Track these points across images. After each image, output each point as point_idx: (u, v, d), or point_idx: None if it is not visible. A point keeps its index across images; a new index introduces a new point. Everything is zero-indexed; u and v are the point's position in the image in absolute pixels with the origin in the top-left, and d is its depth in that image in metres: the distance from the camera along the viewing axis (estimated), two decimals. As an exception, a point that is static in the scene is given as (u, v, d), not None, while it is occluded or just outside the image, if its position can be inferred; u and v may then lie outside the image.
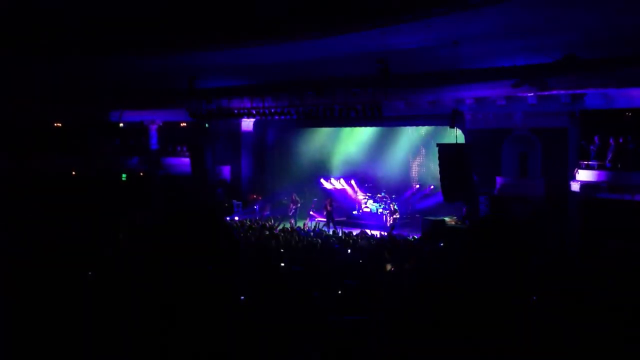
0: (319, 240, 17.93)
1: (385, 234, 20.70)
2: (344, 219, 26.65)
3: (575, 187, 19.68)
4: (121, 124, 30.13)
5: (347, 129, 28.74)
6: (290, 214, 25.73)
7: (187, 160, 28.83)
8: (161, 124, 28.95)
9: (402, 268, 13.72)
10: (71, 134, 29.61)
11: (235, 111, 23.19)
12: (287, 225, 22.64)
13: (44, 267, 12.52)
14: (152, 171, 29.07)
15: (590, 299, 10.57)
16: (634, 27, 15.40)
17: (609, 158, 19.25)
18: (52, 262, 13.42)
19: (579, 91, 19.07)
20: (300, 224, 23.99)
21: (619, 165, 18.97)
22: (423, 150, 27.28)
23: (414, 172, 27.92)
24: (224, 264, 12.52)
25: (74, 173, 29.76)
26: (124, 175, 29.96)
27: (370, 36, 17.38)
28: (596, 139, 19.81)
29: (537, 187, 20.53)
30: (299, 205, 26.27)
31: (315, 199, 27.40)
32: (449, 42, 17.58)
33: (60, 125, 30.19)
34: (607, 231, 18.29)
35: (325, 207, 25.26)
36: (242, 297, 10.43)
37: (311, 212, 26.93)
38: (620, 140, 19.29)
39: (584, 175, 19.61)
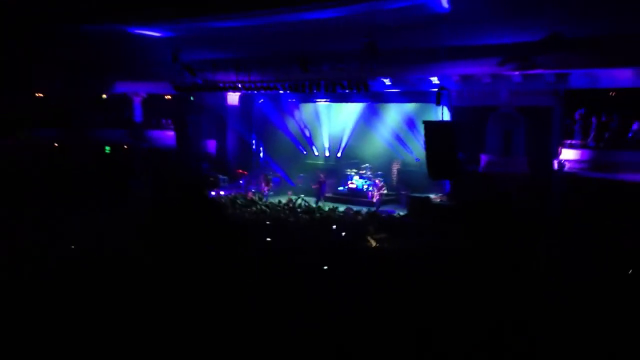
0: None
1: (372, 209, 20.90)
2: (330, 194, 26.73)
3: (558, 165, 19.90)
4: (104, 96, 29.77)
5: (334, 105, 28.70)
6: (265, 194, 25.64)
7: (172, 133, 28.72)
8: (145, 96, 28.64)
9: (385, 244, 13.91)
10: (53, 106, 29.15)
11: (221, 85, 22.96)
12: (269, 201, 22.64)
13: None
14: (137, 144, 28.83)
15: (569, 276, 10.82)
16: (618, 7, 15.52)
17: (591, 137, 19.46)
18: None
19: (563, 70, 19.16)
20: (284, 198, 24.01)
21: (601, 144, 19.18)
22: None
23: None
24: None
25: (56, 145, 29.42)
26: (107, 148, 29.68)
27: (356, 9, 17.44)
28: (579, 117, 19.98)
29: (521, 165, 20.71)
30: (271, 185, 26.36)
31: (302, 175, 27.42)
32: (439, 19, 17.66)
33: (42, 96, 29.73)
34: (588, 209, 18.56)
35: (318, 182, 25.31)
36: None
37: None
38: (603, 119, 19.48)
39: (567, 153, 19.81)
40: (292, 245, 13.21)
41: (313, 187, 25.45)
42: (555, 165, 20.00)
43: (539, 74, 19.47)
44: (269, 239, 13.90)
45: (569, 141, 19.91)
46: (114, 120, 29.85)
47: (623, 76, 18.49)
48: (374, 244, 13.81)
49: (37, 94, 29.69)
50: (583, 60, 18.40)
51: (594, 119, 19.50)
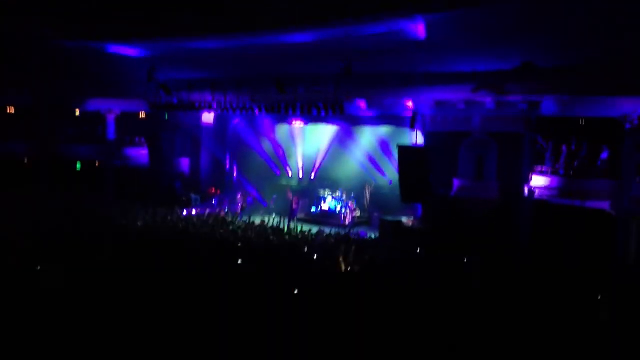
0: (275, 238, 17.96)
1: (343, 232, 20.88)
2: (302, 215, 26.68)
3: (528, 191, 20.19)
4: (77, 112, 29.41)
5: (309, 127, 28.80)
6: (239, 213, 25.53)
7: (145, 151, 28.48)
8: (119, 113, 28.38)
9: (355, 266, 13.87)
10: (25, 120, 28.69)
11: (196, 104, 22.87)
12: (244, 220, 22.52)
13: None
14: (109, 161, 28.49)
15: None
16: (590, 37, 15.92)
17: (561, 164, 19.80)
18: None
19: (535, 98, 19.53)
20: (257, 219, 23.88)
21: (571, 172, 19.52)
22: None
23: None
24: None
25: (26, 160, 28.94)
26: (78, 164, 29.28)
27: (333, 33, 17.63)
28: (549, 145, 20.33)
29: (492, 189, 20.98)
30: (245, 205, 26.29)
31: (275, 196, 27.36)
32: (415, 45, 17.93)
33: (13, 111, 29.28)
34: (556, 235, 18.85)
35: (291, 204, 25.26)
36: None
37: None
38: (573, 148, 19.85)
39: (537, 180, 20.12)
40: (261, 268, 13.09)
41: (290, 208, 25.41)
42: (526, 192, 20.28)
43: (511, 100, 19.81)
44: (240, 261, 13.76)
45: (539, 168, 20.23)
46: (86, 137, 29.45)
47: (593, 105, 18.90)
48: (343, 266, 13.75)
49: (8, 108, 29.24)
50: (553, 89, 18.79)
51: (564, 147, 19.88)
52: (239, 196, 26.73)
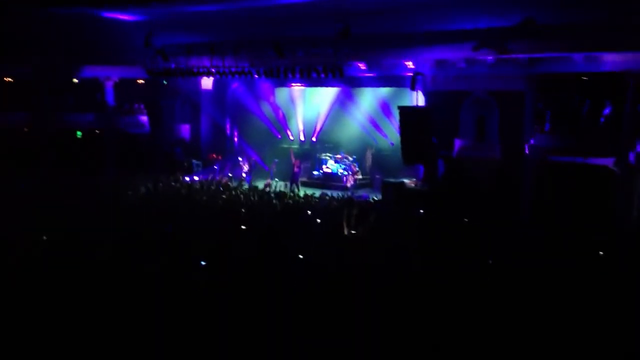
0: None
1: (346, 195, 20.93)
2: (304, 179, 26.71)
3: (530, 150, 20.12)
4: (75, 80, 29.17)
5: (309, 89, 28.56)
6: (247, 178, 25.58)
7: (145, 118, 28.34)
8: (117, 80, 28.12)
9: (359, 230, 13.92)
10: (23, 90, 28.50)
11: (195, 70, 22.64)
12: (246, 187, 22.55)
13: None
14: (109, 129, 28.37)
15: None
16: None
17: (563, 122, 19.67)
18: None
19: (536, 55, 19.31)
20: (260, 184, 23.92)
21: (574, 129, 19.40)
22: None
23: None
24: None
25: (26, 130, 28.84)
26: (79, 133, 29.20)
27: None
28: (551, 102, 20.18)
29: (494, 149, 20.92)
30: (251, 169, 26.35)
31: (276, 160, 27.33)
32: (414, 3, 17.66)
33: (11, 80, 29.06)
34: (558, 193, 18.88)
35: (293, 168, 25.23)
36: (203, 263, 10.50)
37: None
38: (575, 104, 19.71)
39: (539, 138, 20.03)
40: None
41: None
42: (528, 150, 20.22)
43: (512, 58, 19.58)
44: (243, 227, 13.84)
45: (541, 126, 20.10)
46: (85, 105, 29.26)
47: (595, 61, 18.68)
48: (346, 230, 13.80)
49: (5, 78, 29.01)
50: (555, 46, 18.54)
51: (566, 104, 19.71)
52: (244, 161, 26.65)
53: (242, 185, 22.53)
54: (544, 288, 9.60)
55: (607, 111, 19.12)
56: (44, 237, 12.43)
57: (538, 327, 8.32)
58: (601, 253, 12.11)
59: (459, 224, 15.04)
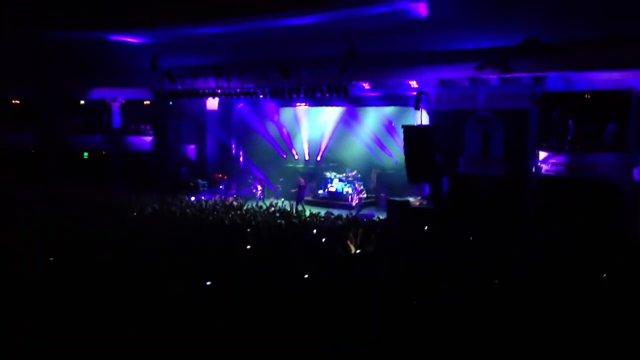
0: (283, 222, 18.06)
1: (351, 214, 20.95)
2: (309, 197, 26.77)
3: (534, 168, 20.14)
4: (82, 101, 29.48)
5: (314, 109, 28.74)
6: (258, 197, 25.67)
7: (151, 138, 28.58)
8: (124, 101, 28.41)
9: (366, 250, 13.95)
10: (31, 111, 28.75)
11: (200, 91, 22.90)
12: (253, 205, 22.62)
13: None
14: (115, 150, 28.59)
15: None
16: (591, 12, 15.81)
17: (567, 139, 19.70)
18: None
19: (540, 74, 19.41)
20: (266, 203, 23.98)
21: (577, 147, 19.43)
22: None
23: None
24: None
25: (33, 151, 29.04)
26: (85, 154, 29.40)
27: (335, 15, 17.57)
28: (555, 120, 20.22)
29: (499, 167, 20.95)
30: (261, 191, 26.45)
31: (282, 179, 27.42)
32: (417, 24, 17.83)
33: (18, 102, 29.34)
34: (562, 210, 18.85)
35: (297, 186, 25.28)
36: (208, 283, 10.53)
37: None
38: (579, 122, 19.74)
39: (542, 156, 20.05)
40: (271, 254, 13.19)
41: (292, 191, 25.41)
42: (532, 168, 20.24)
43: (516, 77, 19.70)
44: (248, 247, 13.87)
45: (545, 144, 20.14)
46: (91, 126, 29.52)
47: (598, 79, 18.78)
48: (353, 249, 13.84)
49: (13, 100, 29.30)
50: (558, 64, 18.67)
51: (570, 122, 19.76)
52: (255, 183, 26.66)
53: (257, 205, 22.60)
54: (551, 307, 9.59)
55: (610, 128, 19.16)
56: (50, 259, 12.51)
57: (546, 346, 8.31)
58: (604, 275, 12.07)
59: (464, 242, 15.05)
